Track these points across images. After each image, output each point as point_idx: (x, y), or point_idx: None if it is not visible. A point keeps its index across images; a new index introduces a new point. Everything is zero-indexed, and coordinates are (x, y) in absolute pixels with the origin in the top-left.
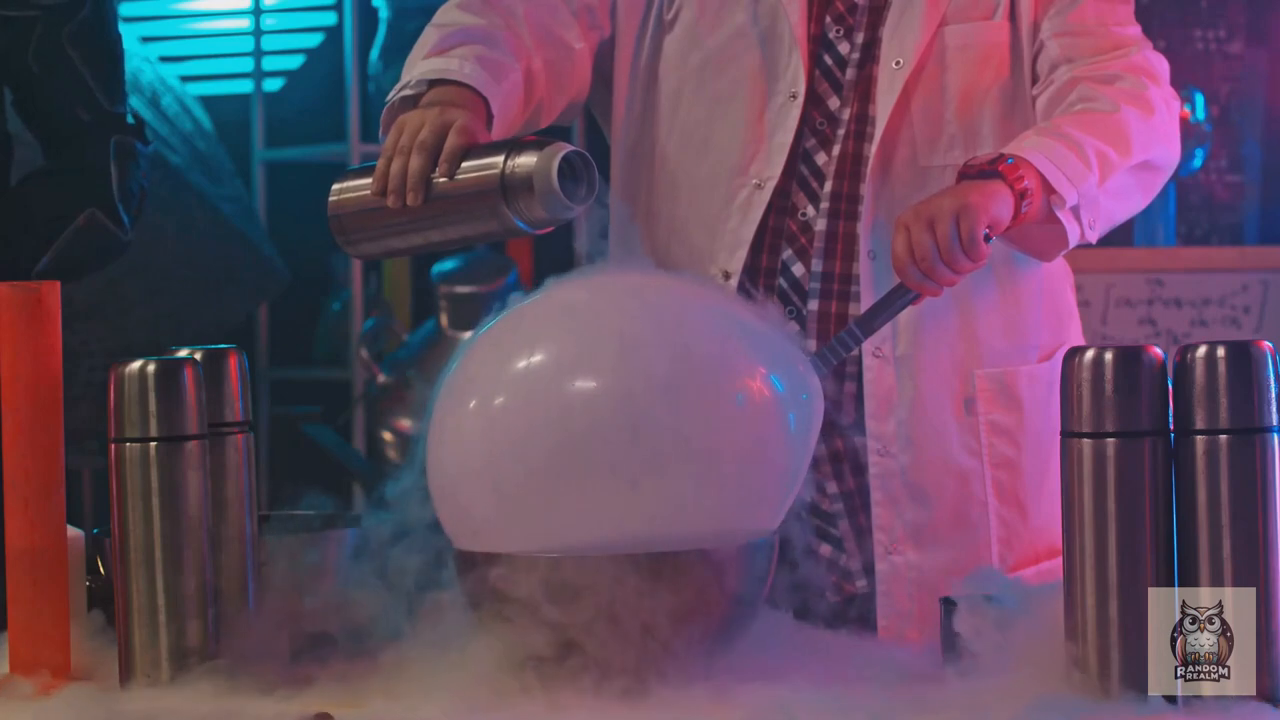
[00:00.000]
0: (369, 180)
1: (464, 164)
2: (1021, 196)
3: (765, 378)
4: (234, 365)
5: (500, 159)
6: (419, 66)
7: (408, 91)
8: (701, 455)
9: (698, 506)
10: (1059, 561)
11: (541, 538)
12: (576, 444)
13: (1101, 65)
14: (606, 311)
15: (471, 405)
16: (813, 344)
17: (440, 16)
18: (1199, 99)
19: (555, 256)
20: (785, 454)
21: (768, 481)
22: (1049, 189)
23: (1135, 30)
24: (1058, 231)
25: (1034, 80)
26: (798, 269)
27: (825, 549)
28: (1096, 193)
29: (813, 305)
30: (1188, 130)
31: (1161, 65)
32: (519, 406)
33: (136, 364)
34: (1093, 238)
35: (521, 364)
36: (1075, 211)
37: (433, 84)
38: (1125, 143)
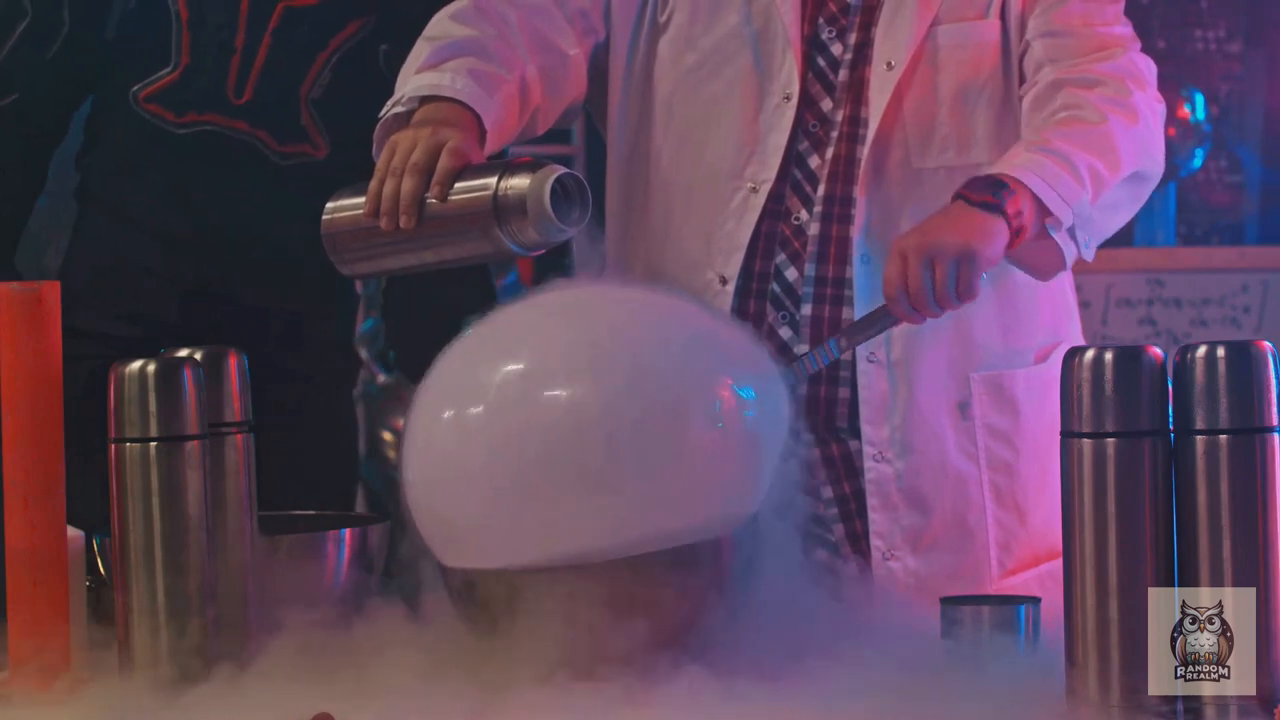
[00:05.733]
0: (362, 200)
1: (457, 185)
2: (1017, 234)
3: (730, 385)
4: (234, 365)
5: (493, 181)
6: (411, 82)
7: (399, 108)
8: (668, 461)
9: (667, 511)
10: (1058, 564)
11: (517, 551)
12: (544, 455)
13: (1085, 67)
14: (575, 321)
15: (445, 416)
16: (806, 349)
17: (432, 28)
18: (1199, 99)
19: (555, 257)
20: (752, 457)
21: (736, 484)
22: (1045, 211)
23: (1122, 30)
24: (1052, 250)
25: (1020, 80)
26: (791, 273)
27: (821, 554)
28: (1090, 211)
29: (806, 310)
30: (1188, 130)
31: (1148, 68)
32: (485, 419)
33: (136, 364)
34: (1089, 256)
35: (489, 377)
36: (1071, 231)
37: (425, 100)
38: (1114, 157)
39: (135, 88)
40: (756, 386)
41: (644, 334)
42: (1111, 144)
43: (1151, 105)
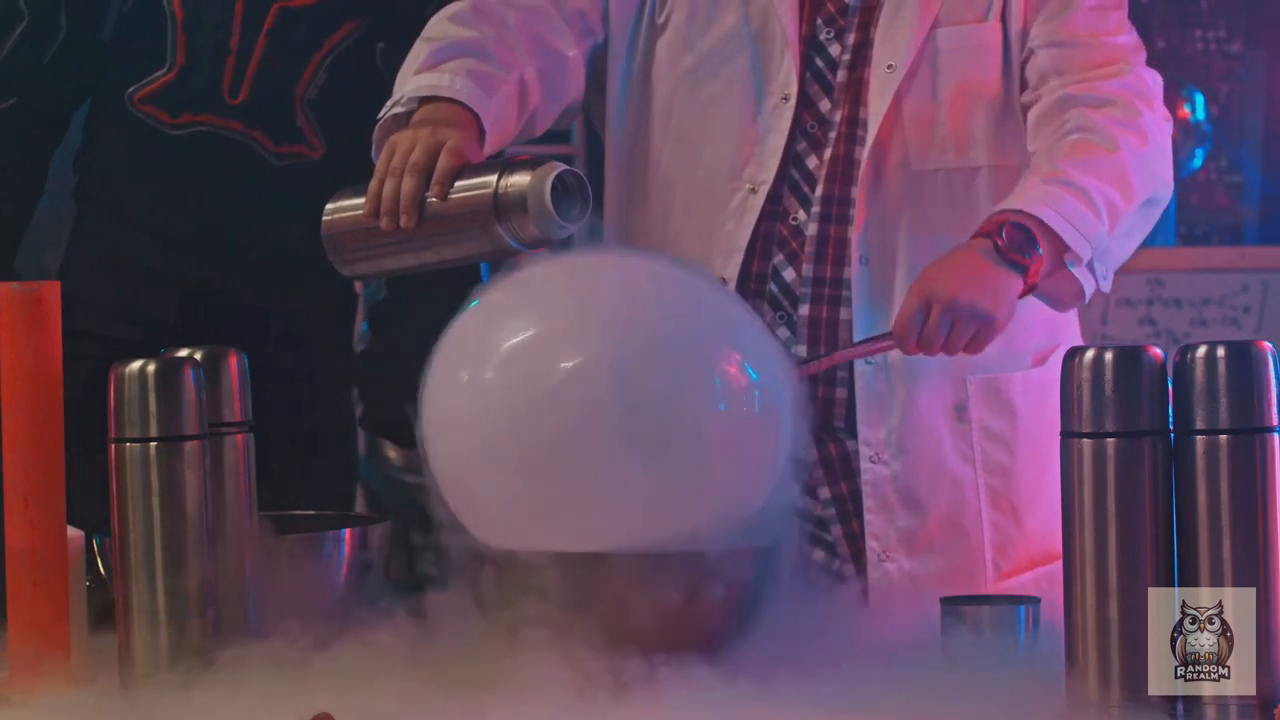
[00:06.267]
0: (362, 200)
1: (457, 184)
2: (1031, 290)
3: (741, 363)
4: (234, 365)
5: (493, 179)
6: (410, 83)
7: (398, 109)
8: (685, 441)
9: (686, 492)
10: (1054, 567)
11: (539, 533)
12: (565, 430)
13: (1093, 84)
14: (593, 292)
15: (461, 387)
16: (803, 349)
17: (430, 30)
18: (1199, 99)
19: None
20: (765, 437)
21: (751, 463)
22: (1063, 247)
23: (1127, 39)
24: (1070, 282)
25: (1022, 86)
26: (789, 274)
27: (818, 554)
28: (1107, 243)
29: (803, 310)
30: (1188, 130)
31: (1155, 83)
32: (503, 394)
33: (136, 364)
34: (1106, 287)
35: (513, 344)
36: (1089, 265)
37: (424, 100)
38: (1129, 187)
39: (131, 89)
40: (776, 369)
41: (666, 309)
42: (1125, 173)
43: (1159, 124)
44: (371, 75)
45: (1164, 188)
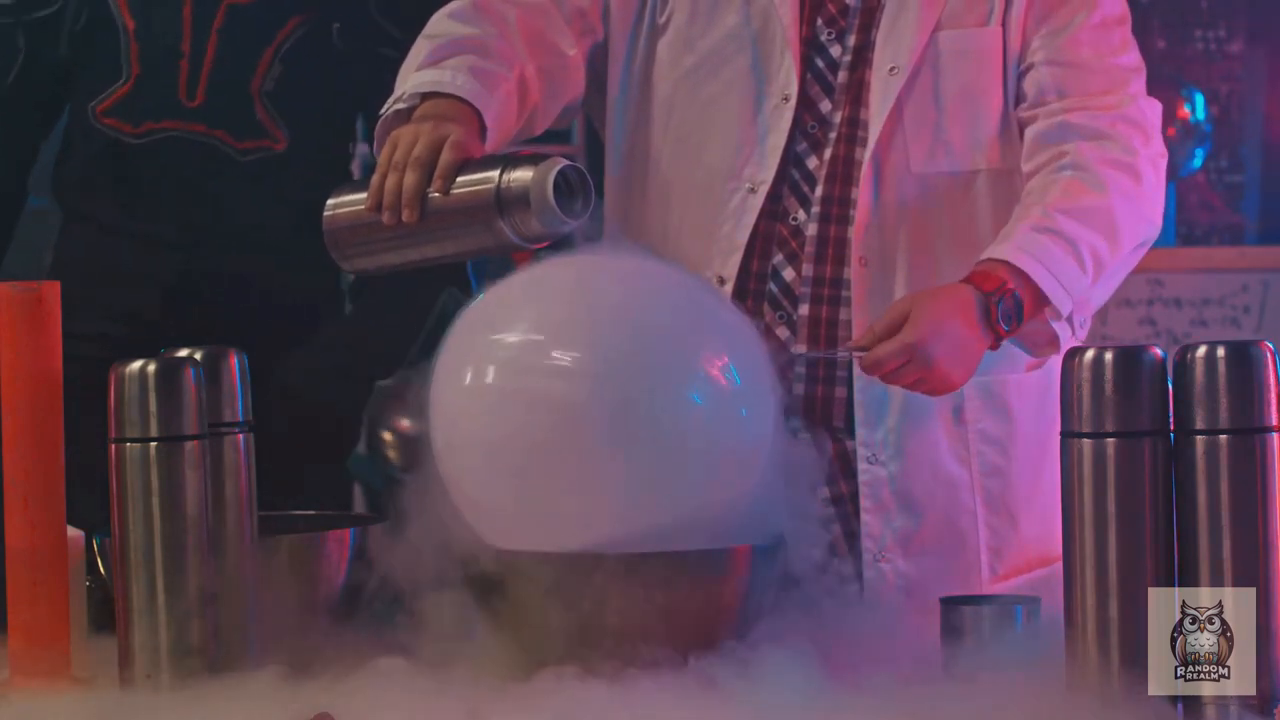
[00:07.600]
0: (364, 195)
1: (459, 179)
2: (996, 348)
3: (725, 366)
4: (234, 365)
5: (495, 174)
6: (411, 79)
7: (400, 105)
8: (670, 440)
9: (671, 490)
10: (1049, 571)
11: (535, 534)
12: (556, 431)
13: (1094, 112)
14: (577, 294)
15: (466, 383)
16: (803, 349)
17: (432, 27)
18: (1199, 99)
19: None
20: (746, 438)
21: (736, 460)
22: (1044, 299)
23: (1129, 59)
24: (1045, 329)
25: (1020, 96)
26: (789, 274)
27: (817, 553)
28: (1089, 293)
29: (803, 310)
30: (1188, 130)
31: (1154, 114)
32: (499, 399)
33: (137, 364)
34: (1082, 336)
35: (517, 345)
36: (1069, 317)
37: (426, 96)
38: (1116, 237)
39: (92, 103)
40: (754, 362)
41: (641, 307)
42: (1114, 223)
43: (1155, 161)
44: (327, 58)
45: (1151, 229)
